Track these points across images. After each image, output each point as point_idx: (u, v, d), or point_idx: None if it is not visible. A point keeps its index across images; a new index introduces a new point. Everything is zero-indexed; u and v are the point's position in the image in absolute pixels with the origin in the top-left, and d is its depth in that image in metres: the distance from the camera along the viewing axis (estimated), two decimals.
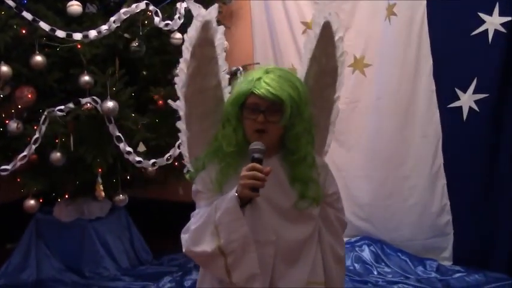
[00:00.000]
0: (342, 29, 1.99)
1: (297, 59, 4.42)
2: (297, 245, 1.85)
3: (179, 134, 2.00)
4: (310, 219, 1.88)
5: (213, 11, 1.84)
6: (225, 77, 1.94)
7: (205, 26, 1.82)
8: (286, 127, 1.79)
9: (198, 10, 1.84)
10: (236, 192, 1.72)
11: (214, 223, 1.74)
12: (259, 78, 1.76)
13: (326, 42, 1.95)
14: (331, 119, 2.07)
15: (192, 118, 1.94)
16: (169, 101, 2.00)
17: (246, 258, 1.74)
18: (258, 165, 1.70)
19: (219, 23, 4.15)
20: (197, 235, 1.77)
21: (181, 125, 1.97)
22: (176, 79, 1.93)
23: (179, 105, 1.94)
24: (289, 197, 1.83)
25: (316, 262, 1.90)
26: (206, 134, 1.92)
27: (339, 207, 2.01)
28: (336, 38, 1.96)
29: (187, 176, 2.00)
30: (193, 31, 1.84)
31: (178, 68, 1.91)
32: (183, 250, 1.83)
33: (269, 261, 1.79)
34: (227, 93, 1.93)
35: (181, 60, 1.90)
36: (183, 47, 1.88)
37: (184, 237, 1.82)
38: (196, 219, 1.80)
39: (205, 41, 1.84)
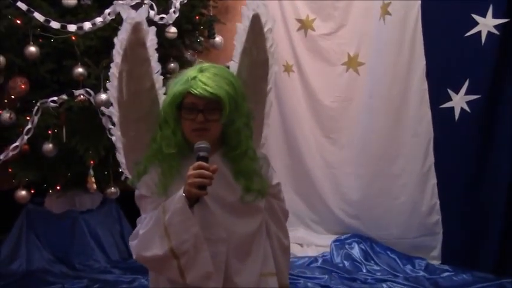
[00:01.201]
0: (271, 19, 1.96)
1: (291, 55, 4.42)
2: (247, 239, 1.83)
3: (114, 141, 1.96)
4: (257, 212, 1.87)
5: (143, 12, 1.81)
6: (159, 79, 1.89)
7: (136, 27, 1.78)
8: (225, 124, 1.77)
9: (127, 12, 1.80)
10: (184, 192, 1.67)
11: (163, 225, 1.68)
12: (194, 77, 1.72)
13: (256, 34, 1.92)
14: (265, 111, 2.06)
15: (127, 123, 1.88)
16: (103, 108, 1.95)
17: (199, 258, 1.70)
18: (204, 164, 1.67)
19: (214, 18, 4.17)
20: (147, 239, 1.72)
21: (115, 131, 1.92)
22: (108, 85, 1.88)
23: (112, 111, 1.89)
24: (235, 192, 1.81)
25: (266, 254, 1.90)
26: (143, 138, 1.86)
27: (281, 198, 2.01)
28: (266, 29, 1.94)
29: (128, 182, 1.94)
30: (123, 34, 1.79)
31: (109, 73, 1.86)
32: (134, 257, 1.77)
33: (222, 259, 1.76)
34: (162, 95, 1.89)
35: (112, 64, 1.84)
36: (114, 51, 1.83)
37: (133, 243, 1.77)
38: (144, 224, 1.74)
39: (136, 42, 1.80)
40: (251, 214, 1.85)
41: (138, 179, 1.83)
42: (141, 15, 1.80)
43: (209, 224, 1.75)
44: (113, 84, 1.85)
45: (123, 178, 2.01)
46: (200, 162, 1.67)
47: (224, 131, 1.79)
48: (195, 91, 1.70)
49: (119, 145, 1.93)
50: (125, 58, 1.80)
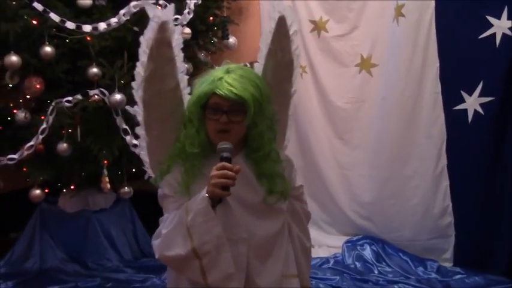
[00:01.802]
0: (297, 21, 1.97)
1: (304, 57, 4.39)
2: (268, 240, 1.82)
3: (138, 140, 1.96)
4: (279, 213, 1.86)
5: (169, 11, 1.80)
6: (183, 78, 1.89)
7: (162, 26, 1.77)
8: (249, 126, 1.76)
9: (154, 11, 1.79)
10: (207, 192, 1.67)
11: (186, 225, 1.68)
12: (220, 78, 1.71)
13: (281, 36, 1.92)
14: (289, 113, 2.06)
15: (151, 122, 1.88)
16: (127, 107, 1.95)
17: (221, 259, 1.69)
18: (227, 164, 1.66)
19: (228, 19, 4.16)
20: (169, 239, 1.71)
21: (140, 130, 1.92)
22: (133, 83, 1.87)
23: (137, 110, 1.89)
24: (257, 194, 1.80)
25: (288, 255, 1.89)
26: (166, 138, 1.86)
27: (304, 200, 2.01)
28: (291, 31, 1.93)
29: (151, 181, 1.93)
30: (150, 33, 1.79)
31: (135, 72, 1.85)
32: (156, 256, 1.76)
33: (243, 259, 1.75)
34: (186, 95, 1.88)
35: (137, 63, 1.84)
36: (140, 50, 1.82)
37: (156, 243, 1.76)
38: (166, 224, 1.74)
39: (162, 41, 1.79)
40: (273, 216, 1.84)
41: (161, 178, 1.83)
42: (167, 14, 1.79)
43: (231, 224, 1.74)
44: (138, 83, 1.85)
45: (146, 177, 1.99)
46: (224, 163, 1.66)
47: (247, 132, 1.78)
48: (220, 92, 1.69)
49: (143, 144, 1.93)
50: (150, 57, 1.80)
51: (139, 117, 1.89)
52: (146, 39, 1.80)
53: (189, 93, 1.87)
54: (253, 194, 1.80)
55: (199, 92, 1.74)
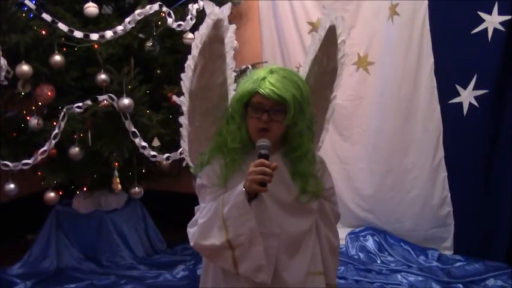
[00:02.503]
0: (346, 31, 1.99)
1: (303, 58, 4.39)
2: (298, 237, 1.85)
3: (180, 129, 1.99)
4: (310, 212, 1.89)
5: (226, 9, 1.82)
6: (231, 75, 1.92)
7: (217, 23, 1.80)
8: (288, 125, 1.78)
9: (211, 8, 1.82)
10: (244, 187, 1.71)
11: (222, 217, 1.73)
12: (264, 78, 1.74)
13: (329, 44, 1.94)
14: (327, 117, 2.09)
15: (195, 114, 1.92)
16: (174, 97, 1.98)
17: (252, 251, 1.74)
18: (266, 161, 1.69)
19: (229, 23, 4.19)
20: (205, 229, 1.77)
21: (183, 120, 1.97)
22: (182, 75, 1.91)
23: (183, 100, 1.94)
24: (291, 192, 1.83)
25: (315, 253, 1.91)
26: (207, 130, 1.91)
27: (334, 201, 2.02)
28: (339, 40, 1.96)
29: (191, 170, 1.99)
30: (205, 29, 1.82)
31: (185, 64, 1.88)
32: (191, 243, 1.81)
33: (273, 253, 1.78)
34: (232, 91, 1.92)
35: (189, 56, 1.87)
36: (193, 44, 1.86)
37: (191, 231, 1.81)
38: (203, 214, 1.79)
39: (215, 38, 1.82)
40: (304, 214, 1.87)
41: (201, 169, 1.88)
42: (224, 12, 1.82)
43: (264, 218, 1.77)
44: (187, 76, 1.89)
45: (184, 164, 2.05)
46: (262, 160, 1.70)
47: (287, 132, 1.81)
48: (262, 91, 1.72)
49: (184, 133, 1.99)
50: (202, 52, 1.83)
51: (184, 108, 1.94)
52: (200, 35, 1.83)
53: (234, 90, 1.90)
54: (287, 192, 1.82)
55: (243, 90, 1.77)
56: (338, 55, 1.99)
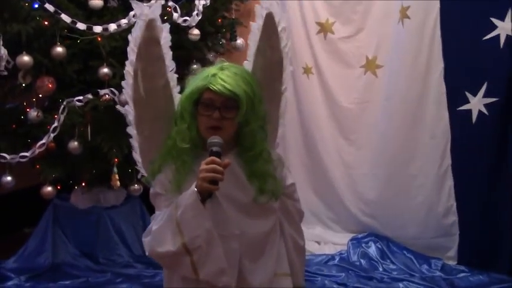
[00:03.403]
0: (284, 18, 1.90)
1: (310, 58, 4.33)
2: (260, 239, 1.76)
3: (130, 140, 1.88)
4: (271, 212, 1.80)
5: (157, 9, 1.74)
6: (173, 77, 1.84)
7: (150, 24, 1.72)
8: (240, 124, 1.71)
9: (141, 9, 1.73)
10: (195, 187, 1.61)
11: (176, 221, 1.61)
12: (214, 75, 1.67)
13: (269, 33, 1.88)
14: (280, 111, 2.00)
15: (142, 122, 1.82)
16: (118, 107, 1.89)
17: (212, 253, 1.62)
18: (216, 159, 1.60)
19: (236, 20, 4.09)
20: (159, 235, 1.64)
21: (131, 130, 1.86)
22: (123, 83, 1.81)
23: (128, 109, 1.83)
24: (248, 193, 1.74)
25: (280, 254, 1.82)
26: (158, 138, 1.80)
27: (296, 198, 1.92)
28: (279, 28, 1.89)
29: (143, 180, 1.88)
30: (137, 31, 1.74)
31: (124, 71, 1.79)
32: (147, 253, 1.70)
33: (235, 255, 1.69)
34: (177, 94, 1.82)
35: (126, 63, 1.78)
36: (128, 49, 1.77)
37: (146, 240, 1.70)
38: (157, 221, 1.68)
39: (150, 40, 1.74)
40: (264, 215, 1.77)
41: (153, 177, 1.77)
42: (154, 12, 1.73)
43: (222, 220, 1.67)
44: (128, 83, 1.79)
45: (139, 176, 1.94)
46: (213, 157, 1.61)
47: (239, 131, 1.71)
48: (213, 87, 1.65)
49: (135, 144, 1.87)
50: (139, 56, 1.75)
51: (130, 117, 1.83)
52: (134, 38, 1.75)
53: (179, 92, 1.81)
54: (244, 193, 1.74)
55: (193, 87, 1.69)
56: (281, 44, 1.91)
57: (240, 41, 4.01)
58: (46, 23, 3.29)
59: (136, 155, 1.90)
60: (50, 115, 3.38)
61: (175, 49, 3.68)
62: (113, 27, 3.27)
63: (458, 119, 3.75)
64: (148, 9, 1.73)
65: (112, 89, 3.29)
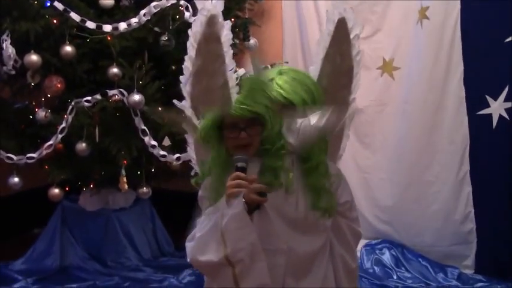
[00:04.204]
0: (359, 25, 1.78)
1: None
2: (307, 257, 1.66)
3: (186, 136, 1.85)
4: (322, 230, 1.70)
5: (219, 4, 1.67)
6: (232, 76, 1.76)
7: (211, 20, 1.65)
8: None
9: (203, 3, 1.66)
10: (243, 197, 1.53)
11: (220, 230, 1.53)
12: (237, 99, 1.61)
13: (341, 40, 1.76)
14: (347, 122, 1.90)
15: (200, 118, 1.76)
16: (175, 101, 1.81)
17: (254, 268, 1.53)
18: (241, 174, 1.55)
19: (249, 20, 4.01)
20: (203, 243, 1.57)
21: (186, 126, 1.81)
22: (181, 77, 1.77)
23: (184, 105, 1.78)
24: (299, 207, 1.64)
25: (327, 277, 1.71)
26: None
27: (352, 217, 1.79)
28: (352, 35, 1.78)
29: (192, 181, 1.81)
30: (198, 26, 1.67)
31: (183, 66, 1.75)
32: (188, 259, 1.63)
33: (280, 272, 1.60)
34: (235, 94, 1.76)
35: (186, 57, 1.74)
36: (188, 44, 1.72)
37: (189, 245, 1.62)
38: (202, 227, 1.60)
39: (211, 36, 1.68)
40: (315, 232, 1.68)
41: (203, 179, 1.72)
42: (216, 7, 1.66)
43: (269, 233, 1.59)
44: (185, 78, 1.75)
45: (192, 173, 1.90)
46: (237, 173, 1.55)
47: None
48: (234, 112, 1.58)
49: (190, 140, 1.85)
50: (198, 52, 1.70)
51: (188, 112, 1.78)
52: (194, 33, 1.69)
53: (237, 93, 1.75)
54: (295, 206, 1.64)
55: (213, 114, 1.63)
56: (352, 52, 1.80)
57: (253, 41, 3.95)
58: (55, 21, 3.26)
59: (191, 152, 1.89)
60: (59, 115, 3.34)
61: (186, 49, 3.63)
62: (123, 26, 3.22)
63: (478, 124, 3.65)
64: (211, 4, 1.66)
65: (121, 89, 3.24)
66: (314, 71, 1.82)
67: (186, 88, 1.77)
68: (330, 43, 1.77)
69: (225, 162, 1.64)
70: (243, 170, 1.57)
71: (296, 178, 1.65)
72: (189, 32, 1.71)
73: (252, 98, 1.58)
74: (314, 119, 1.64)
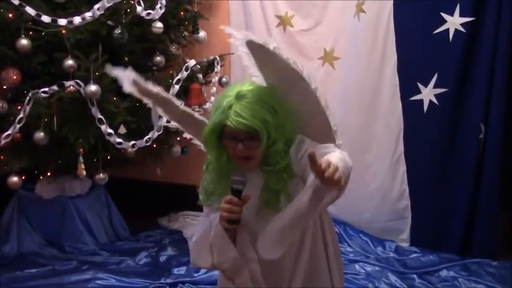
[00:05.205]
0: (270, 42, 1.63)
1: None
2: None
3: (192, 142, 2.04)
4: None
5: (129, 72, 1.89)
6: (185, 109, 1.93)
7: (134, 82, 1.88)
8: (267, 145, 1.68)
9: (119, 74, 1.91)
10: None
11: (209, 241, 1.73)
12: (230, 107, 1.63)
13: (263, 55, 1.68)
14: (322, 105, 1.76)
15: (192, 134, 1.99)
16: (166, 124, 2.02)
17: (240, 276, 1.73)
18: (234, 199, 1.64)
19: (198, 14, 4.16)
20: (197, 249, 1.78)
21: (188, 135, 2.02)
22: (153, 113, 1.99)
23: (176, 125, 1.99)
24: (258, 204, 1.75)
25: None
26: None
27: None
28: (271, 48, 1.62)
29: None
30: (129, 87, 1.90)
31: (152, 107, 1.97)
32: (191, 261, 1.84)
33: (257, 275, 1.74)
34: (198, 115, 1.94)
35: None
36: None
37: (190, 246, 1.89)
38: (197, 231, 1.80)
39: (144, 92, 1.90)
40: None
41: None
42: (130, 74, 1.89)
43: (248, 243, 1.72)
44: (159, 112, 1.96)
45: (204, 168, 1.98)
46: (230, 197, 1.65)
47: (265, 150, 1.70)
48: (230, 124, 1.63)
49: (199, 143, 1.99)
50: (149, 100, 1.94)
51: (182, 128, 2.00)
52: (131, 93, 1.92)
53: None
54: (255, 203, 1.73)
55: (213, 122, 1.68)
56: (282, 58, 1.65)
57: (202, 34, 4.09)
58: (10, 15, 3.32)
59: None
60: (15, 106, 3.39)
61: (139, 41, 3.79)
62: (77, 20, 3.31)
63: (411, 109, 3.93)
64: (124, 73, 1.90)
65: (77, 80, 3.34)
66: (259, 80, 1.81)
67: (164, 116, 1.99)
68: (256, 61, 1.75)
69: (221, 170, 1.74)
70: (238, 193, 1.65)
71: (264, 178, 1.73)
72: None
73: (251, 110, 1.62)
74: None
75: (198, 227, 1.81)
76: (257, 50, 1.68)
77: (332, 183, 1.42)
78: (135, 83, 1.86)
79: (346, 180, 1.51)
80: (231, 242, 1.69)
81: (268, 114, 1.64)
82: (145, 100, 1.92)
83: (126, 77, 1.86)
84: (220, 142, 1.71)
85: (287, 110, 1.70)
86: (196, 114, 1.92)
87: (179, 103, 1.91)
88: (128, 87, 1.88)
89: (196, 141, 2.01)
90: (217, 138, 1.70)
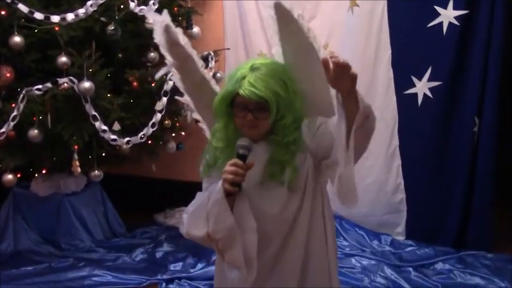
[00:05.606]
0: (296, 7, 1.75)
1: (265, 45, 4.41)
2: (280, 220, 1.78)
3: (199, 124, 2.04)
4: (294, 191, 1.77)
5: (166, 15, 1.85)
6: (205, 72, 1.94)
7: (166, 29, 1.82)
8: (276, 117, 1.71)
9: (154, 16, 1.87)
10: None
11: (206, 210, 1.72)
12: (244, 77, 1.68)
13: (286, 21, 1.76)
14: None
15: (202, 109, 1.97)
16: (177, 97, 1.99)
17: (233, 247, 1.71)
18: (239, 162, 1.66)
19: (192, 9, 4.15)
20: (193, 219, 1.76)
21: (196, 115, 2.01)
22: (173, 78, 1.96)
23: (187, 99, 1.98)
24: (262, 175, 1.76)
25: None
26: None
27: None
28: (295, 15, 1.75)
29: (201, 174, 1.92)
30: (159, 36, 1.84)
31: (171, 70, 1.93)
32: (183, 232, 1.80)
33: (253, 248, 1.71)
34: (215, 86, 1.95)
35: (168, 63, 1.91)
36: (162, 51, 1.88)
37: (185, 217, 1.80)
38: (195, 202, 1.80)
39: (172, 42, 1.85)
40: (283, 194, 1.76)
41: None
42: (166, 18, 1.84)
43: (239, 214, 1.72)
44: (176, 78, 1.93)
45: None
46: (235, 160, 1.67)
47: (273, 123, 1.74)
48: (242, 92, 1.67)
49: (204, 126, 2.01)
50: (172, 56, 1.88)
51: (192, 105, 1.99)
52: (159, 42, 1.85)
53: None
54: (260, 176, 1.75)
55: (225, 90, 1.73)
56: (303, 29, 1.76)
57: (195, 29, 4.09)
58: (3, 12, 3.32)
59: (208, 135, 1.98)
60: (9, 104, 3.39)
61: (133, 38, 3.78)
62: (70, 17, 3.32)
63: (405, 102, 3.95)
64: (161, 16, 1.83)
65: (71, 77, 3.34)
66: (277, 52, 1.85)
67: (180, 86, 1.95)
68: (278, 27, 1.79)
69: (228, 139, 1.76)
70: (243, 157, 1.67)
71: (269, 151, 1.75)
72: (156, 41, 1.87)
73: (264, 81, 1.66)
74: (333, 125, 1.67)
75: (196, 198, 1.80)
76: (283, 14, 1.75)
77: (344, 72, 1.59)
78: (167, 29, 1.82)
79: (367, 108, 1.69)
80: (229, 210, 1.69)
81: (280, 88, 1.69)
82: (169, 57, 1.89)
83: (160, 22, 1.82)
84: (230, 111, 1.75)
85: (297, 89, 1.75)
86: (213, 82, 1.95)
87: (200, 64, 1.92)
88: (158, 36, 1.85)
89: (202, 124, 2.02)
90: (227, 107, 1.75)
